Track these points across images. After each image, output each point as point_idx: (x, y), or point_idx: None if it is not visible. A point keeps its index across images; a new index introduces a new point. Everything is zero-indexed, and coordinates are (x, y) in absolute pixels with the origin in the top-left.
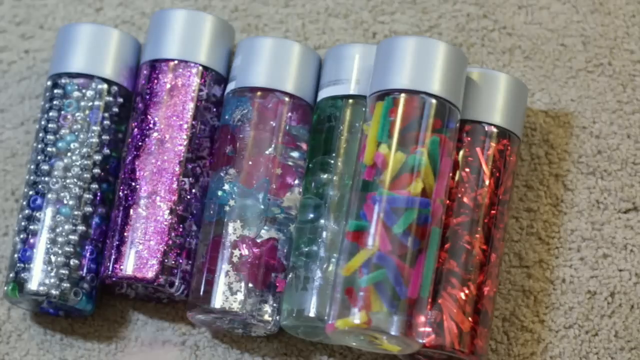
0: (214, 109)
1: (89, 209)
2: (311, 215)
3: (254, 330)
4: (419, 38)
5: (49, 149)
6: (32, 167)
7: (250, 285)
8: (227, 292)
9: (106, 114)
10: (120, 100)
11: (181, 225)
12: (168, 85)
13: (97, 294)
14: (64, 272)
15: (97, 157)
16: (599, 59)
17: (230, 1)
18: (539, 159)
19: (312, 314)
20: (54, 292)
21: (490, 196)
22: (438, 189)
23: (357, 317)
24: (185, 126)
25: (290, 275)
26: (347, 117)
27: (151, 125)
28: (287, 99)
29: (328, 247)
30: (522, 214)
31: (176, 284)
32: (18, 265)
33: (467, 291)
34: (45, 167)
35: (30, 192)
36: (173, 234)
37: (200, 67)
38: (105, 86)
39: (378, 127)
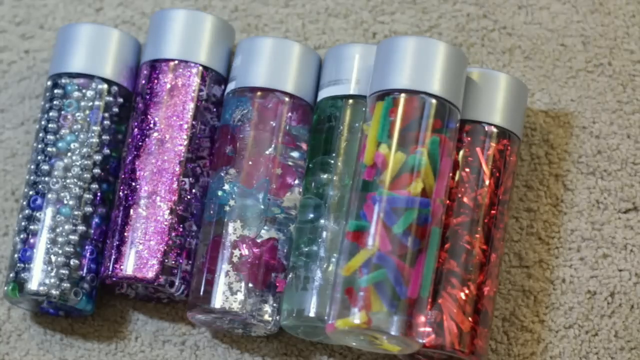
0: (214, 109)
1: (89, 209)
2: (311, 215)
3: (254, 330)
4: (419, 38)
5: (49, 149)
6: (32, 167)
7: (250, 285)
8: (227, 292)
9: (106, 114)
10: (120, 100)
11: (181, 225)
12: (168, 85)
13: (97, 294)
14: (64, 272)
15: (97, 157)
16: (599, 59)
17: (230, 1)
18: (539, 159)
19: (312, 314)
20: (54, 292)
21: (490, 196)
22: (438, 189)
23: (357, 317)
24: (185, 126)
25: (290, 275)
26: (347, 117)
27: (151, 125)
28: (287, 99)
29: (328, 247)
30: (522, 214)
31: (176, 284)
32: (18, 265)
33: (467, 291)
34: (45, 167)
35: (31, 192)
36: (173, 234)
37: (201, 67)
38: (105, 86)
39: (378, 127)
